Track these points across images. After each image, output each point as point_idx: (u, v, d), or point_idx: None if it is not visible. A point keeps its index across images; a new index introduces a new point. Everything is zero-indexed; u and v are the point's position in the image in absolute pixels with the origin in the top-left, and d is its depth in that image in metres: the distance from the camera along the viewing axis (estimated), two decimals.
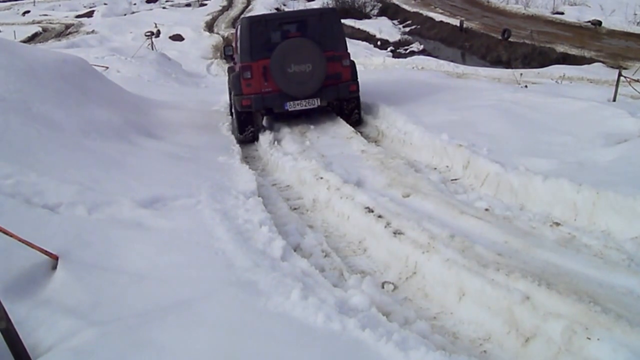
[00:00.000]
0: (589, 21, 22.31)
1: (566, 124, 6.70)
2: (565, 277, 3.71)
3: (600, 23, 21.73)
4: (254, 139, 8.70)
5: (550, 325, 3.22)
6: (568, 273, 3.77)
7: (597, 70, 15.43)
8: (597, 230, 4.35)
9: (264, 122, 9.22)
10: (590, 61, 17.10)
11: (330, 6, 30.99)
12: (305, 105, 8.39)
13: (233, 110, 9.18)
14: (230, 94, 9.73)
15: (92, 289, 3.56)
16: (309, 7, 29.98)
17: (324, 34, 8.43)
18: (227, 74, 10.92)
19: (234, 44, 10.10)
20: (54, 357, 2.90)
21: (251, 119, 8.67)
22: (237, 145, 8.06)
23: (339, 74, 8.44)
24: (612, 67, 15.69)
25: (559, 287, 3.51)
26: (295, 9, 20.17)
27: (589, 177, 4.75)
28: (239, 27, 9.09)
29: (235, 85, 8.62)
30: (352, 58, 8.84)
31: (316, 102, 8.42)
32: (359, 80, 8.75)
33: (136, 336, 3.06)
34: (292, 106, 8.36)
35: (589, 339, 3.03)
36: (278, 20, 9.08)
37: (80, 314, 3.26)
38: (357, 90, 8.67)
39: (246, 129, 8.66)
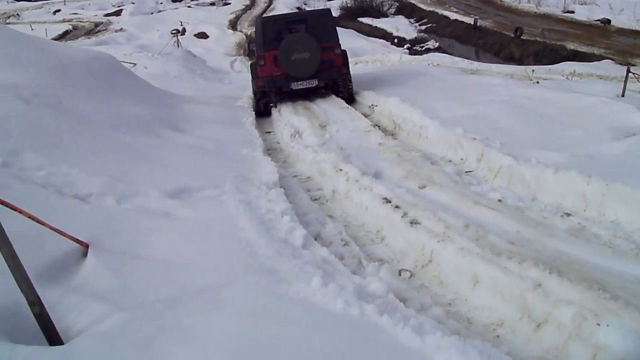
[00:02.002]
0: (599, 20, 22.18)
1: (576, 119, 6.74)
2: (575, 266, 3.76)
3: (609, 21, 21.61)
4: (268, 113, 10.51)
5: (561, 312, 3.26)
6: (578, 261, 3.83)
7: (606, 67, 15.24)
8: (606, 220, 4.39)
9: (284, 115, 9.71)
10: (599, 58, 16.94)
11: (348, 5, 33.23)
12: (306, 85, 10.35)
13: (252, 90, 11.11)
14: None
15: (121, 275, 3.55)
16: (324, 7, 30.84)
17: (320, 30, 10.40)
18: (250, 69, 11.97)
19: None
20: (84, 340, 2.92)
21: (266, 97, 10.57)
22: (260, 139, 8.16)
23: (332, 60, 10.41)
24: (620, 64, 15.50)
25: (570, 275, 3.55)
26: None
27: (599, 170, 4.79)
28: (255, 25, 11.30)
29: (253, 71, 10.89)
30: (343, 48, 10.71)
31: (315, 82, 10.38)
32: (349, 65, 10.82)
33: (163, 320, 3.09)
34: (296, 85, 10.34)
35: (599, 325, 3.06)
36: (284, 19, 11.30)
37: (110, 299, 3.28)
38: (348, 72, 10.63)
39: (261, 105, 10.57)
